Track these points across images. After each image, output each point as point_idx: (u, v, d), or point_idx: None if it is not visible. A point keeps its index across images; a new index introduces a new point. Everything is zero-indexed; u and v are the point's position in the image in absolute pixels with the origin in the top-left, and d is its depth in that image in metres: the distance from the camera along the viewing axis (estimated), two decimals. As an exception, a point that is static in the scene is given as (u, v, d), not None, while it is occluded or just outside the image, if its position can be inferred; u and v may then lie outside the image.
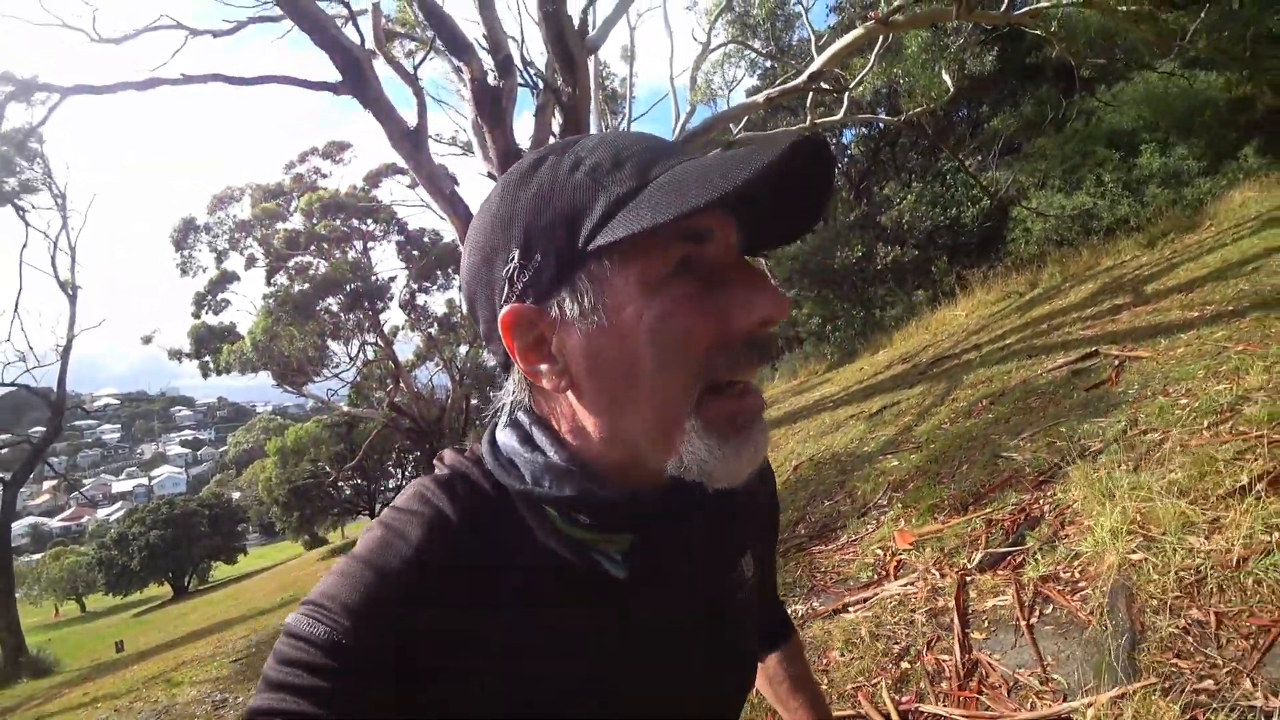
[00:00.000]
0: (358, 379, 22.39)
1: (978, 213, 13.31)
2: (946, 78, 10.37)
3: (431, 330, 21.84)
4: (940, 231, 13.87)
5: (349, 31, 7.72)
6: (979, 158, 14.00)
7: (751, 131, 11.45)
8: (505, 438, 0.55)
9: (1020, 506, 2.65)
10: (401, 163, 8.02)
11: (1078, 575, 2.01)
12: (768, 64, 15.40)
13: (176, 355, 20.01)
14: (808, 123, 9.72)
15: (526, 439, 0.53)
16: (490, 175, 8.01)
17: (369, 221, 19.97)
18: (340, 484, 26.28)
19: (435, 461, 0.58)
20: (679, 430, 0.48)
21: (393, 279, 21.17)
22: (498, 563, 0.51)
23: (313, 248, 18.84)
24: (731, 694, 0.65)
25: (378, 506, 27.85)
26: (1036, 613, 1.92)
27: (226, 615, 16.87)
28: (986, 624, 1.99)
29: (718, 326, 0.47)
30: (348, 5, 8.31)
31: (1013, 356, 5.95)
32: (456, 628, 0.48)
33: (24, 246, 15.02)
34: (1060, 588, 1.97)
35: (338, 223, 19.26)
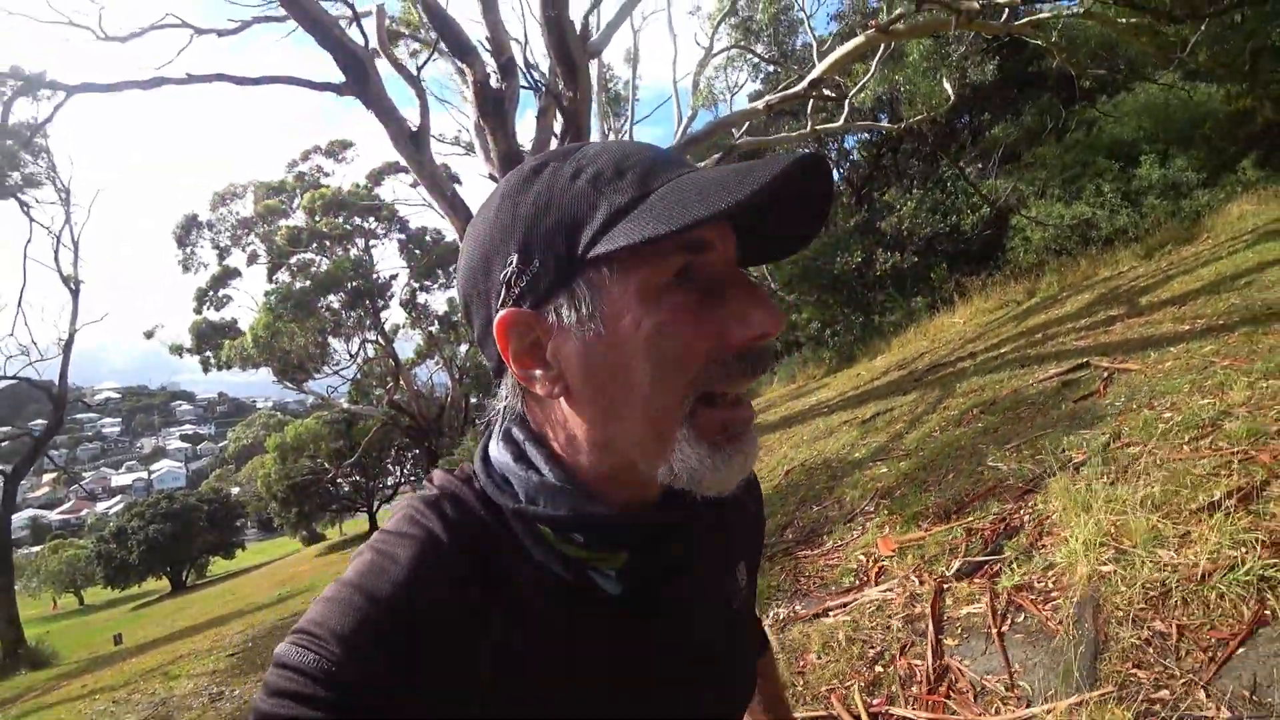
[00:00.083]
0: (358, 376, 22.47)
1: (977, 220, 13.36)
2: (947, 86, 10.43)
3: (432, 329, 21.92)
4: (940, 238, 13.93)
5: (353, 33, 7.79)
6: (980, 166, 14.05)
7: (753, 136, 11.52)
8: (499, 454, 0.55)
9: (1001, 516, 2.70)
10: (404, 161, 8.06)
11: (1051, 585, 2.06)
12: (771, 69, 15.46)
13: (178, 350, 20.09)
14: (808, 128, 9.77)
15: (521, 456, 0.53)
16: (492, 177, 8.05)
17: (371, 220, 20.05)
18: (339, 481, 26.35)
19: (425, 482, 0.58)
20: (671, 439, 0.48)
21: (394, 277, 21.28)
22: (492, 583, 0.50)
23: (314, 245, 18.91)
24: (729, 707, 0.65)
25: (376, 503, 27.91)
26: (1008, 621, 1.97)
27: (224, 610, 16.92)
28: (960, 631, 2.04)
29: (714, 339, 0.48)
30: (352, 6, 8.38)
31: (1006, 365, 6.00)
32: (451, 652, 0.47)
33: (28, 241, 15.09)
34: (1033, 597, 2.02)
35: (340, 220, 19.35)
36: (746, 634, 0.68)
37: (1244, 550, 1.84)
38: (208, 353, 19.38)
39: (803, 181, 0.48)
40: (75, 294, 15.99)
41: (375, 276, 19.88)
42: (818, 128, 9.97)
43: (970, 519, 2.77)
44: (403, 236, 20.78)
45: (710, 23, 12.50)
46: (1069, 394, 4.32)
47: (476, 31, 7.70)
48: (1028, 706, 1.61)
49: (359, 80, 7.55)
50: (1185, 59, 9.36)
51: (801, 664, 2.18)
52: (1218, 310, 5.08)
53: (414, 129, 8.01)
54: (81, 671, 13.34)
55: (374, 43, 8.04)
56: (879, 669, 2.00)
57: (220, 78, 7.44)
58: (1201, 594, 1.72)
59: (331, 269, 18.47)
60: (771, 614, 2.66)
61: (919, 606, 2.21)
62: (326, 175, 20.36)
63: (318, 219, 18.83)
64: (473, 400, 22.28)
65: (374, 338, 21.35)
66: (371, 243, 20.67)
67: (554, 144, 7.80)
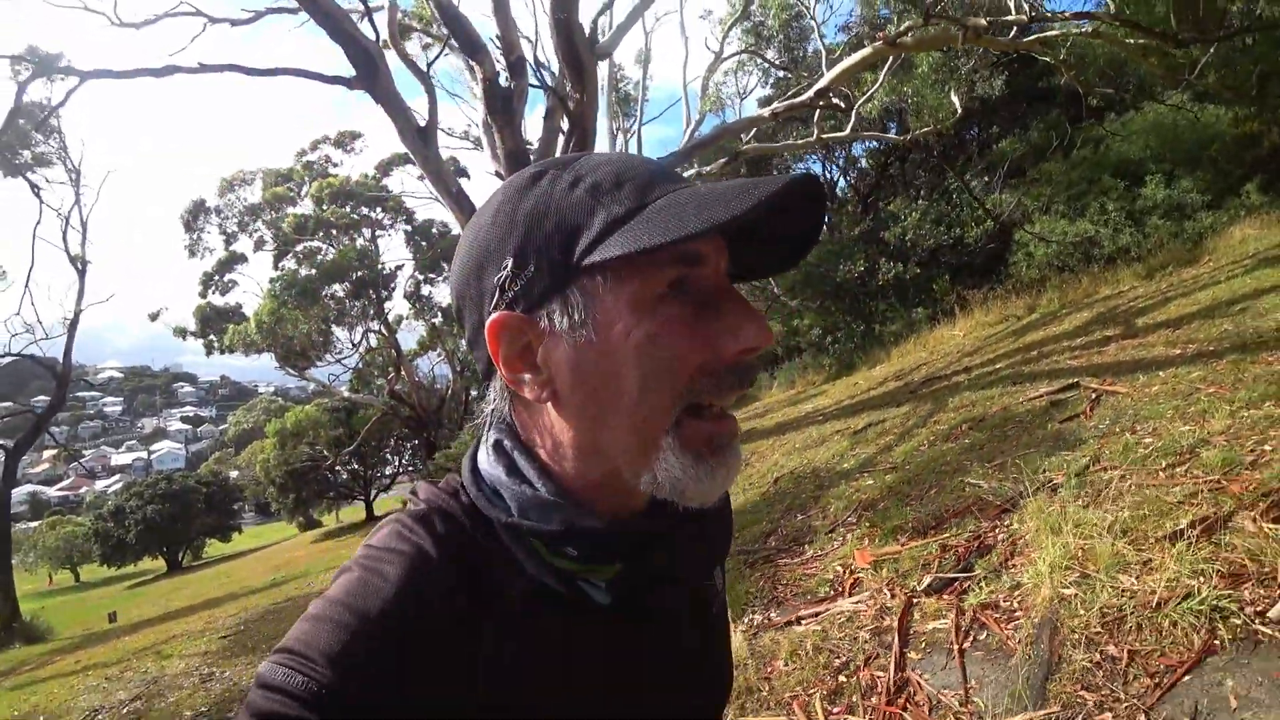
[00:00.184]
0: (360, 365, 22.54)
1: (981, 234, 13.38)
2: (955, 99, 10.46)
3: (435, 321, 21.97)
4: (944, 250, 13.96)
5: (364, 27, 7.84)
6: (986, 179, 14.06)
7: (761, 143, 11.56)
8: (489, 467, 0.54)
9: (976, 534, 2.76)
10: (411, 156, 8.13)
11: (1015, 605, 2.11)
12: (781, 74, 15.49)
13: (181, 333, 20.21)
14: (814, 137, 9.81)
15: (512, 469, 0.53)
16: (498, 174, 8.11)
17: (378, 210, 20.12)
18: (337, 468, 26.43)
19: (409, 496, 0.58)
20: (656, 447, 0.49)
21: (399, 268, 21.34)
22: (483, 596, 0.50)
23: (321, 234, 19.00)
24: (712, 710, 0.66)
25: (374, 492, 28.01)
26: (971, 638, 2.03)
27: (218, 592, 17.02)
28: (924, 645, 2.10)
29: (704, 350, 0.48)
30: (364, 0, 8.43)
31: (999, 382, 6.05)
32: (445, 667, 0.46)
33: (38, 223, 15.19)
34: (997, 616, 2.08)
35: (347, 210, 19.42)
36: (725, 636, 0.70)
37: (1201, 580, 1.89)
38: (211, 336, 19.48)
39: (797, 202, 0.48)
40: (82, 274, 16.11)
41: (380, 267, 19.95)
42: (824, 136, 10.00)
43: (946, 535, 2.82)
44: (409, 228, 20.85)
45: (721, 27, 12.53)
46: (1056, 414, 4.37)
47: (488, 27, 7.76)
48: (974, 722, 1.67)
49: (369, 74, 7.61)
50: (1193, 81, 9.38)
51: (769, 670, 2.24)
52: (1210, 336, 5.12)
53: (422, 124, 8.08)
54: (75, 647, 13.45)
55: (384, 37, 8.10)
56: (842, 679, 2.06)
57: (232, 68, 7.51)
58: (1156, 621, 1.78)
59: (337, 258, 18.54)
60: (746, 620, 2.72)
61: (888, 620, 2.27)
62: (335, 165, 20.44)
63: (325, 208, 18.91)
64: (473, 393, 22.35)
65: (377, 328, 21.42)
66: (378, 233, 20.75)
67: (560, 143, 7.85)
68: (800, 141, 10.69)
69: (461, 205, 7.92)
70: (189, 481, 34.97)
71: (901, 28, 7.26)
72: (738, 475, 0.54)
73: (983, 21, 6.67)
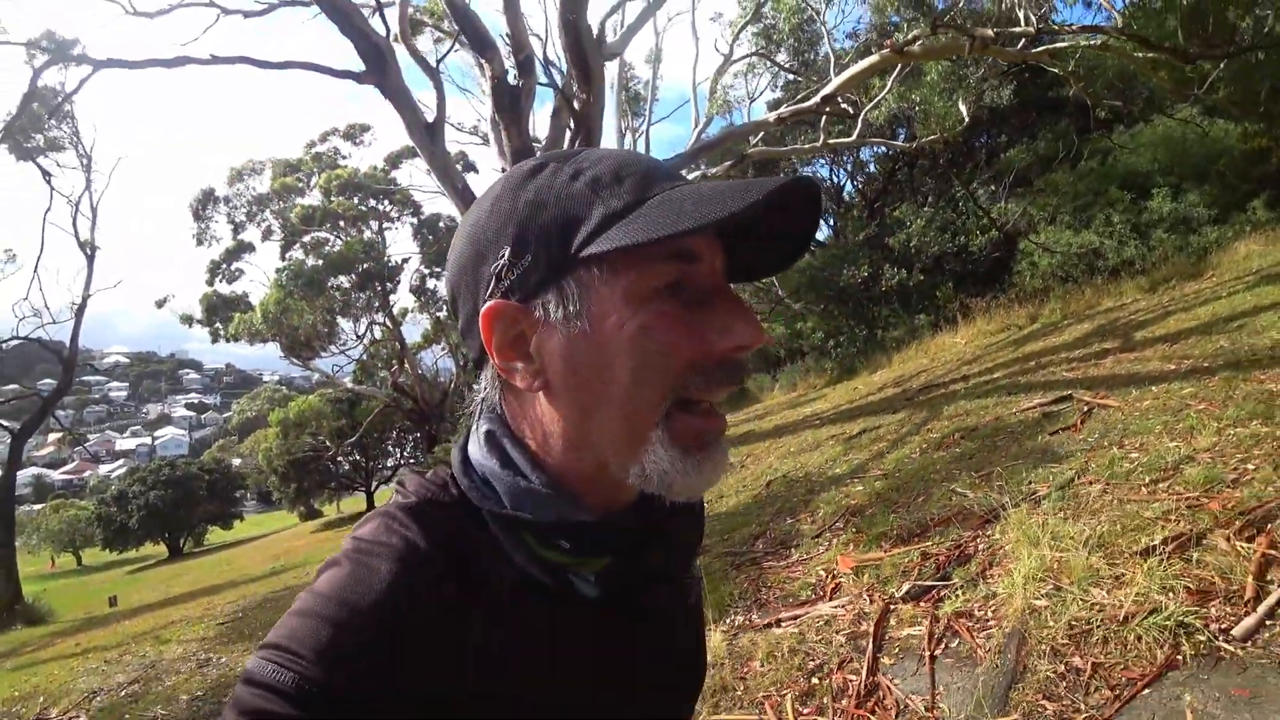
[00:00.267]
0: (364, 357, 22.63)
1: (986, 242, 13.38)
2: (963, 107, 10.46)
3: (440, 314, 22.04)
4: (948, 258, 13.96)
5: (375, 21, 7.90)
6: (992, 187, 14.06)
7: (769, 146, 11.59)
8: (482, 457, 0.54)
9: (958, 543, 2.80)
10: (418, 150, 8.19)
11: (989, 614, 2.15)
12: (790, 77, 15.50)
13: (188, 320, 20.34)
14: (821, 142, 9.84)
15: (506, 460, 0.53)
16: (504, 171, 8.17)
17: (385, 202, 20.20)
18: (339, 459, 26.59)
19: (396, 486, 0.57)
20: (645, 440, 0.49)
21: (406, 261, 21.44)
22: (472, 586, 0.50)
23: (328, 225, 19.09)
24: (691, 699, 0.67)
25: (375, 483, 28.14)
26: (943, 645, 2.07)
27: (218, 579, 17.15)
28: (897, 651, 2.14)
29: (696, 346, 0.49)
30: (376, -4, 8.48)
31: (995, 391, 6.07)
32: (433, 659, 0.46)
33: (48, 210, 15.31)
34: (970, 624, 2.12)
35: (354, 201, 19.51)
36: (701, 626, 0.71)
37: (1169, 596, 1.93)
38: (217, 324, 19.60)
39: (795, 202, 0.49)
40: (91, 259, 16.23)
41: (386, 260, 20.03)
42: (830, 141, 10.02)
43: (929, 543, 2.86)
44: (415, 221, 20.93)
45: (731, 30, 12.55)
46: (1047, 426, 4.40)
47: (500, 23, 7.79)
48: (938, 727, 1.71)
49: (378, 69, 7.67)
50: (1202, 96, 9.36)
51: (745, 670, 2.29)
52: (1205, 352, 5.13)
53: (430, 120, 8.14)
54: (76, 630, 13.58)
55: (395, 32, 8.16)
56: (815, 681, 2.11)
57: (243, 60, 7.58)
58: (1121, 634, 1.82)
59: (344, 249, 18.64)
60: (728, 620, 2.77)
61: (864, 625, 2.31)
62: (344, 158, 20.55)
63: (333, 199, 19.00)
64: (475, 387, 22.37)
65: (382, 320, 21.50)
66: (385, 225, 20.84)
67: (566, 142, 7.90)
68: (806, 146, 10.72)
69: (467, 201, 7.97)
70: (192, 468, 35.21)
71: (909, 36, 7.28)
72: (724, 474, 0.53)
73: (990, 32, 6.68)
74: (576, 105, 7.11)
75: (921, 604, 2.35)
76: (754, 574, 3.26)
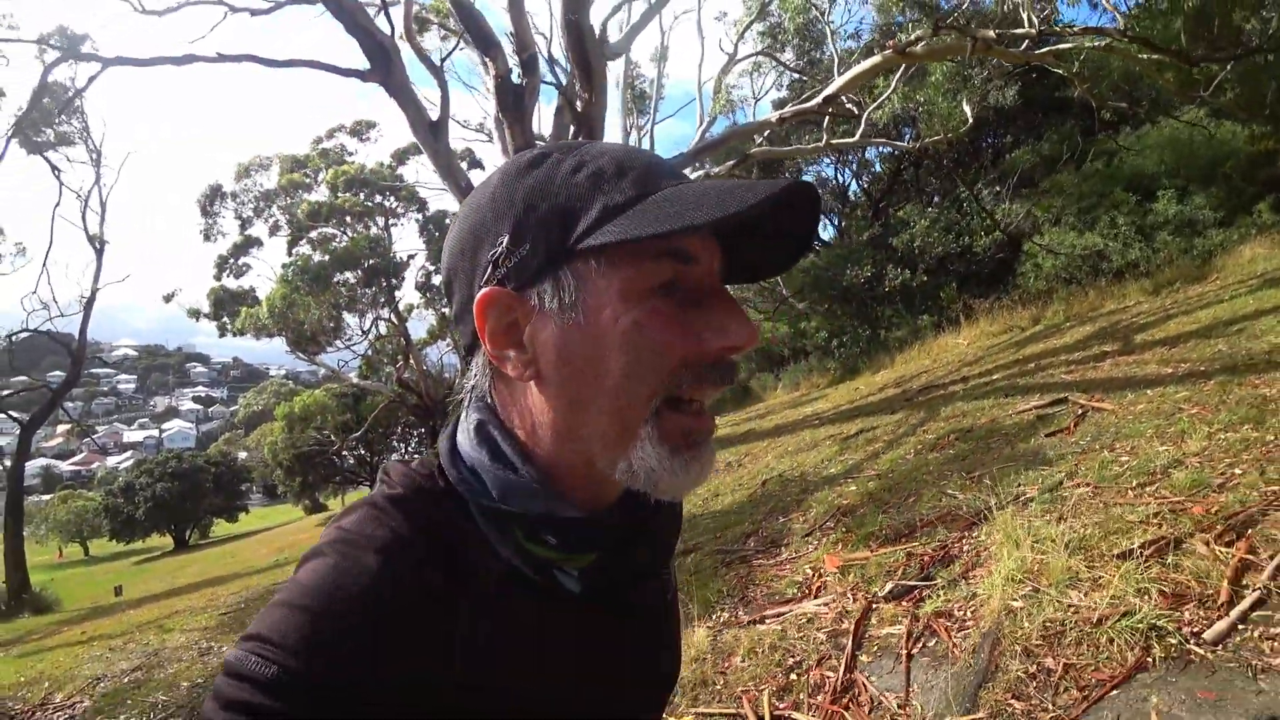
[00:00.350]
0: (369, 352, 22.72)
1: (990, 243, 13.35)
2: (967, 108, 10.44)
3: (445, 310, 22.05)
4: (952, 258, 13.93)
5: (380, 20, 7.95)
6: (997, 188, 14.02)
7: (775, 145, 11.59)
8: (470, 449, 0.54)
9: (944, 544, 2.83)
10: (422, 148, 8.25)
11: (968, 615, 2.18)
12: (796, 76, 15.47)
13: (195, 314, 20.48)
14: (824, 142, 9.84)
15: (495, 452, 0.53)
16: (507, 167, 8.20)
17: (391, 199, 20.28)
18: (344, 453, 26.73)
19: (381, 476, 0.57)
20: (634, 435, 0.49)
21: (412, 257, 21.52)
22: (458, 577, 0.50)
23: (334, 220, 19.18)
24: (667, 691, 0.68)
25: (379, 478, 28.26)
26: (921, 644, 2.10)
27: (222, 571, 17.31)
28: (876, 649, 2.18)
29: (689, 345, 0.49)
30: (381, -6, 8.52)
31: (993, 393, 6.08)
32: (419, 647, 0.46)
33: (57, 205, 15.47)
34: (948, 624, 2.15)
35: (361, 198, 19.59)
36: (677, 622, 0.71)
37: (1143, 599, 1.96)
38: (224, 318, 19.73)
39: (794, 204, 0.50)
40: (100, 253, 16.39)
41: (392, 256, 20.10)
42: (833, 142, 10.02)
43: (915, 544, 2.89)
44: (420, 217, 21.01)
45: (736, 29, 12.55)
46: (1041, 428, 4.41)
47: (504, 21, 7.82)
48: (908, 723, 1.74)
49: (383, 68, 7.73)
50: (1208, 98, 9.32)
51: (726, 665, 2.33)
52: (1203, 355, 5.13)
53: (434, 118, 8.19)
54: (81, 619, 13.75)
55: (400, 31, 8.21)
56: (793, 677, 2.15)
57: (249, 58, 7.64)
58: (1094, 636, 1.84)
59: (349, 245, 18.72)
60: (714, 617, 2.80)
61: (846, 623, 2.35)
62: (351, 154, 20.61)
63: (339, 195, 19.09)
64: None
65: (387, 315, 21.58)
66: (392, 222, 20.92)
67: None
68: (809, 146, 10.72)
69: (470, 199, 8.03)
70: (198, 461, 35.49)
71: (912, 37, 7.28)
72: (710, 475, 0.53)
73: (992, 34, 6.68)
74: (579, 106, 7.14)
75: (903, 603, 2.38)
76: (743, 572, 3.30)
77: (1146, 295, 9.81)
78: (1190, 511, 2.57)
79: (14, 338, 16.11)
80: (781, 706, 2.00)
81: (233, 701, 0.43)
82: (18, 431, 16.29)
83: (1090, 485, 3.10)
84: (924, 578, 2.52)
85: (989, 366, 8.11)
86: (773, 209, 0.47)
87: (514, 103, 7.64)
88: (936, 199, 16.43)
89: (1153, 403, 4.25)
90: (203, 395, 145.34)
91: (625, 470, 0.50)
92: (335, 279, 19.01)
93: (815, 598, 2.66)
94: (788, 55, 14.74)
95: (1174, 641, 1.79)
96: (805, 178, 19.39)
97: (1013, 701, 1.68)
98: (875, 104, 9.77)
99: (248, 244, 20.17)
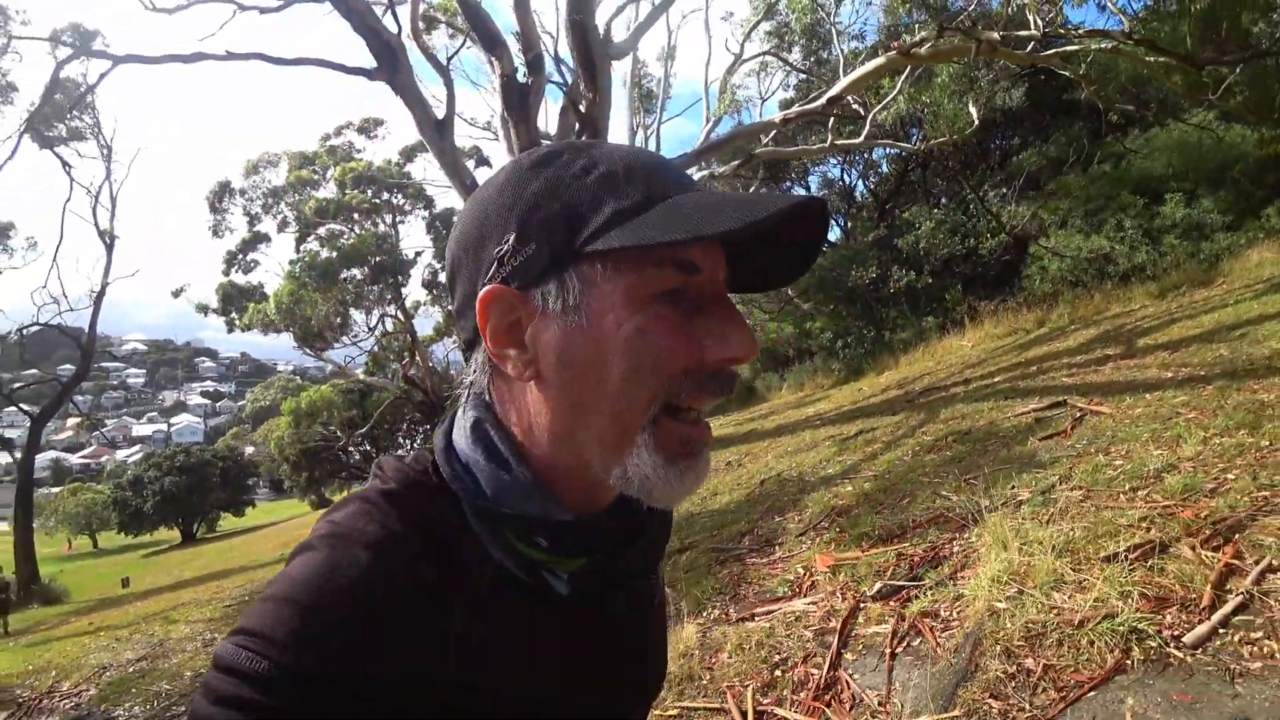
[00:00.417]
0: (375, 349, 22.83)
1: (996, 245, 13.32)
2: (973, 110, 10.41)
3: (451, 307, 22.12)
4: (958, 260, 13.91)
5: (387, 20, 8.01)
6: (1003, 190, 13.98)
7: (781, 146, 11.59)
8: (466, 447, 0.54)
9: (935, 545, 2.85)
10: (429, 146, 8.30)
11: (953, 615, 2.21)
12: (803, 76, 15.46)
13: (203, 309, 20.62)
14: (828, 143, 9.83)
15: (491, 452, 0.52)
16: (513, 166, 8.24)
17: (398, 196, 20.37)
18: (350, 449, 26.85)
19: (375, 471, 0.56)
20: (631, 441, 0.49)
21: (419, 254, 21.61)
22: (452, 574, 0.49)
23: (342, 217, 19.29)
24: (649, 694, 0.68)
25: (372, 472, 28.38)
26: (905, 643, 2.13)
27: (228, 564, 17.46)
28: (861, 647, 2.20)
29: (691, 353, 0.49)
30: (388, -6, 8.58)
31: (993, 396, 6.08)
32: (413, 642, 0.46)
33: (67, 200, 15.65)
34: (934, 624, 2.17)
35: (368, 194, 19.69)
36: (663, 628, 0.72)
37: (1126, 601, 1.97)
38: (233, 314, 19.87)
39: (803, 219, 0.50)
40: (110, 248, 16.54)
41: (399, 253, 20.19)
42: (838, 143, 10.02)
43: (906, 545, 2.91)
44: (426, 215, 21.11)
45: (742, 29, 12.55)
46: (1038, 431, 4.42)
47: (512, 20, 7.85)
48: (883, 719, 1.77)
49: (389, 67, 7.78)
50: (1216, 101, 9.27)
51: (713, 661, 2.37)
52: (1204, 360, 5.12)
53: (440, 117, 8.24)
54: (89, 610, 13.92)
55: (406, 31, 8.26)
56: (778, 673, 2.18)
57: (258, 57, 7.71)
58: (1075, 638, 1.86)
59: (356, 242, 18.83)
60: (705, 614, 2.84)
61: (833, 621, 2.37)
62: (359, 151, 20.73)
63: (347, 192, 19.20)
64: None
65: (394, 312, 21.68)
66: (399, 219, 21.02)
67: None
68: (814, 147, 10.72)
69: (475, 198, 8.08)
70: (206, 455, 35.77)
71: (916, 38, 7.28)
72: (703, 483, 0.53)
73: (996, 35, 6.67)
74: (583, 107, 7.17)
75: (890, 603, 2.41)
76: (736, 570, 3.33)
77: (1152, 299, 9.77)
78: (1180, 516, 2.58)
79: (25, 331, 16.29)
80: (765, 702, 2.03)
81: (222, 696, 0.42)
82: (28, 424, 16.46)
83: (1083, 489, 3.11)
84: (913, 578, 2.54)
85: (991, 369, 8.10)
86: (784, 222, 0.47)
87: (519, 102, 7.68)
88: (944, 200, 16.39)
89: (1150, 407, 4.25)
90: (211, 390, 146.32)
91: (620, 476, 0.50)
92: (342, 275, 19.11)
93: (805, 596, 2.69)
94: (794, 55, 14.74)
95: (1154, 644, 1.81)
96: (811, 178, 19.41)
97: (990, 701, 1.70)
98: (880, 105, 9.76)
99: (256, 240, 20.31)
